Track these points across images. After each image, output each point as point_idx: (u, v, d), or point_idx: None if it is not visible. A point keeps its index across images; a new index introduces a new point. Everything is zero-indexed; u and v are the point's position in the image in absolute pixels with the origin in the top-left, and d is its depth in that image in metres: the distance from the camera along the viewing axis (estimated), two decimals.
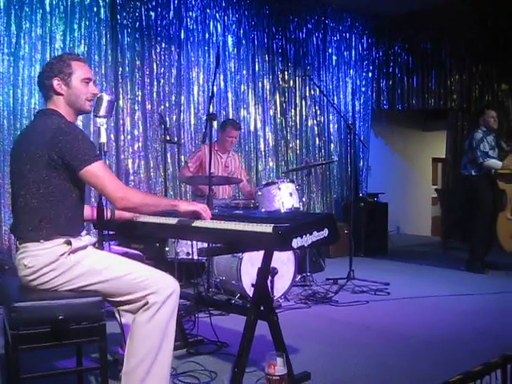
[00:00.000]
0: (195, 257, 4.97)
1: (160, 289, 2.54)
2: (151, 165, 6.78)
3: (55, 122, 2.57)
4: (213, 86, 4.74)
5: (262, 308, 2.93)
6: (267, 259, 2.93)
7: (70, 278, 2.53)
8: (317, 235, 2.58)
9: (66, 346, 2.45)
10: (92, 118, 5.97)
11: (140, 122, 6.72)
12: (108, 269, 2.58)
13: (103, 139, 2.77)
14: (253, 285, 2.95)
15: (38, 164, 2.51)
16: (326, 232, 2.62)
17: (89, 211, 2.96)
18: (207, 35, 7.39)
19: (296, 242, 2.48)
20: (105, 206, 2.78)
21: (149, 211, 2.81)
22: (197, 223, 2.78)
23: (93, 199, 5.94)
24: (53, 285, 2.52)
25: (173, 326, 2.59)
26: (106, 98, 2.79)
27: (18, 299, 2.40)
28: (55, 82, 2.65)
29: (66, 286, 2.53)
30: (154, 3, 6.84)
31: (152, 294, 2.52)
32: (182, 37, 7.13)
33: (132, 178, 6.61)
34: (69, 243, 2.54)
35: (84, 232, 2.70)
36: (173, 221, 2.90)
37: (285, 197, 5.30)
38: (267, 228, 2.48)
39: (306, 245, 2.53)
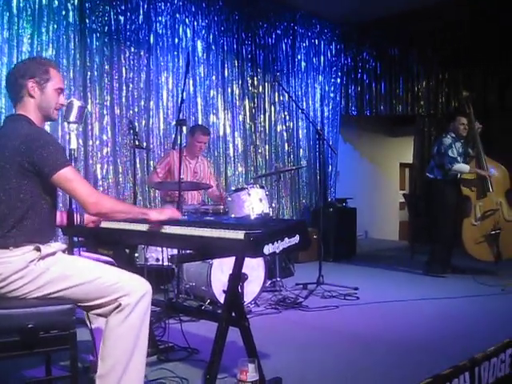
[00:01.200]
0: (165, 263, 4.95)
1: (132, 291, 2.53)
2: (120, 170, 6.71)
3: (25, 128, 2.54)
4: (182, 91, 4.75)
5: (233, 314, 2.93)
6: (238, 265, 2.92)
7: (39, 285, 2.50)
8: (288, 241, 2.59)
9: (36, 355, 2.42)
10: (60, 123, 5.92)
11: (109, 127, 6.65)
12: (78, 274, 2.55)
13: (73, 145, 2.75)
14: (224, 291, 2.93)
15: (8, 171, 2.48)
16: (297, 238, 2.63)
17: (58, 217, 2.93)
18: (176, 40, 7.36)
19: (268, 249, 2.48)
20: (74, 210, 2.74)
21: (120, 218, 2.80)
22: (167, 229, 2.77)
23: (61, 204, 5.86)
24: (22, 292, 2.48)
25: (146, 327, 2.58)
26: (76, 103, 2.76)
27: None
28: (30, 84, 2.61)
29: (35, 293, 2.50)
30: (123, 7, 6.78)
31: (124, 296, 2.51)
32: (152, 41, 7.08)
33: (100, 183, 6.54)
34: (38, 249, 2.51)
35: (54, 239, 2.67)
36: (143, 227, 2.88)
37: (255, 202, 5.30)
38: (239, 234, 2.48)
39: (277, 251, 2.54)
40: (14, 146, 2.47)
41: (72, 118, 2.76)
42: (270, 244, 2.49)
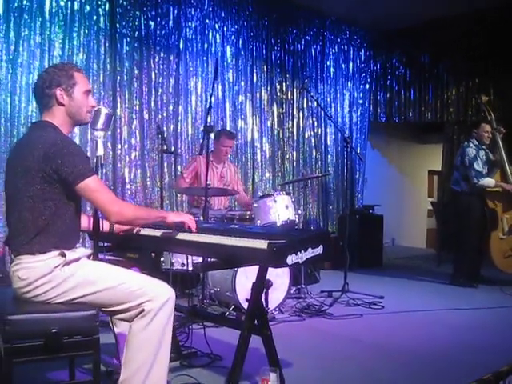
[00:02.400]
0: (190, 268, 4.97)
1: (155, 296, 2.56)
2: (147, 174, 6.77)
3: (50, 135, 2.57)
4: (211, 96, 4.78)
5: (256, 322, 2.93)
6: (262, 274, 2.93)
7: (64, 290, 2.54)
8: (311, 252, 2.59)
9: (61, 360, 2.45)
10: (85, 129, 5.98)
11: (137, 132, 6.71)
12: (102, 279, 2.59)
13: (100, 152, 2.76)
14: (247, 299, 2.94)
15: (33, 178, 2.51)
16: (320, 249, 2.63)
17: (86, 221, 2.96)
18: (206, 45, 7.41)
19: (291, 259, 2.49)
20: (101, 217, 2.77)
21: (140, 224, 2.83)
22: (192, 237, 2.79)
23: (88, 208, 5.93)
24: (47, 297, 2.52)
25: (169, 333, 2.61)
26: (104, 111, 2.79)
27: (12, 312, 2.40)
28: (58, 93, 2.64)
29: (60, 297, 2.54)
30: (153, 13, 6.85)
31: (148, 302, 2.55)
32: (181, 46, 7.14)
33: (128, 186, 6.61)
34: (63, 255, 2.55)
35: (78, 245, 2.71)
36: (169, 234, 2.90)
37: (280, 209, 5.30)
38: (262, 244, 2.49)
39: (300, 261, 2.54)
40: (39, 153, 2.50)
41: (99, 125, 2.78)
42: (294, 254, 2.50)
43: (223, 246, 2.64)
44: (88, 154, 5.47)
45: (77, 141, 5.93)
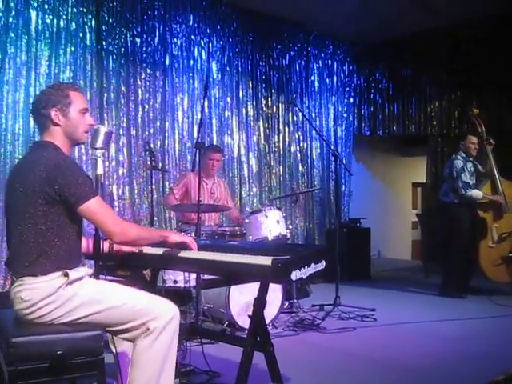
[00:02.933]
0: (182, 285, 4.96)
1: (160, 314, 2.56)
2: (136, 191, 6.76)
3: (52, 156, 2.55)
4: (202, 114, 4.76)
5: (258, 339, 2.93)
6: (263, 291, 2.93)
7: (68, 310, 2.52)
8: (315, 267, 2.60)
9: (64, 381, 2.42)
10: (87, 148, 5.97)
11: (125, 149, 6.69)
12: (106, 298, 2.58)
13: (100, 171, 2.75)
14: (249, 316, 2.93)
15: (35, 199, 2.50)
16: (323, 264, 2.65)
17: (85, 244, 2.94)
18: (192, 61, 7.42)
19: (295, 275, 2.49)
20: (102, 238, 2.76)
21: (143, 244, 2.82)
22: (194, 254, 2.78)
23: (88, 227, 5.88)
24: (51, 318, 2.50)
25: (174, 351, 2.62)
26: (103, 130, 2.78)
27: (16, 334, 2.38)
28: (53, 113, 2.63)
29: (64, 317, 2.52)
30: (139, 29, 6.86)
31: (152, 320, 2.54)
32: (167, 63, 7.14)
33: (116, 203, 6.57)
34: (66, 275, 2.53)
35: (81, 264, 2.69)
36: (171, 252, 2.89)
37: (272, 224, 5.30)
38: (266, 260, 2.49)
39: (304, 277, 2.55)
40: (41, 174, 2.48)
41: (98, 144, 2.76)
42: (298, 270, 2.50)
43: (227, 262, 2.64)
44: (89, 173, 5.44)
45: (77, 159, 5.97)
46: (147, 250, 3.03)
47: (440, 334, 5.06)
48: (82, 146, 5.98)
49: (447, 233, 6.87)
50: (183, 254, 2.82)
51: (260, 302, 2.93)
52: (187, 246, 2.81)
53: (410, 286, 7.62)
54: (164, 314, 2.57)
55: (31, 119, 5.82)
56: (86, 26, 6.41)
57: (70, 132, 2.68)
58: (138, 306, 2.56)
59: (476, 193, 6.57)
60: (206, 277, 4.31)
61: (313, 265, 2.58)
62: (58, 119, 2.65)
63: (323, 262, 2.64)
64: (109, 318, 2.55)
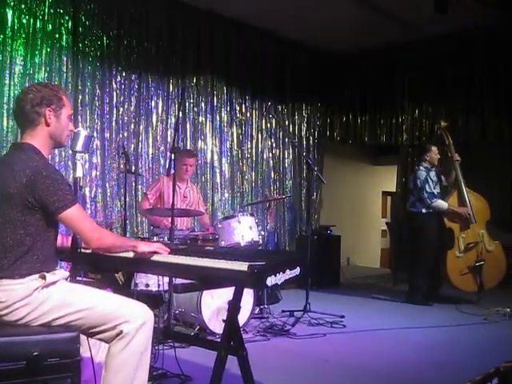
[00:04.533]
0: (154, 288, 4.97)
1: (133, 317, 2.57)
2: (108, 193, 6.74)
3: (33, 161, 2.55)
4: (177, 119, 4.78)
5: (232, 343, 2.96)
6: (238, 295, 2.96)
7: (42, 313, 2.52)
8: (289, 273, 2.64)
9: (41, 382, 2.43)
10: (67, 151, 5.96)
11: (98, 151, 6.67)
12: (79, 300, 2.59)
13: (79, 173, 2.78)
14: (224, 320, 2.96)
15: (15, 205, 2.51)
16: (297, 270, 2.69)
17: (59, 240, 2.93)
18: (167, 66, 7.43)
19: (270, 280, 2.53)
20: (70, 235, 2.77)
21: (116, 252, 2.82)
22: (170, 259, 2.81)
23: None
24: (26, 320, 2.51)
25: (148, 355, 2.62)
26: (83, 133, 2.80)
27: None
28: (47, 112, 2.64)
29: (38, 320, 2.52)
30: (115, 32, 6.85)
31: (125, 323, 2.55)
32: (142, 66, 7.15)
33: (89, 206, 6.54)
34: (43, 277, 2.54)
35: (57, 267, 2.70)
36: (146, 256, 2.90)
37: (244, 230, 5.35)
38: (242, 266, 2.52)
39: (279, 283, 2.59)
40: (21, 180, 2.49)
41: (78, 147, 2.79)
42: (273, 276, 2.54)
43: (203, 267, 2.66)
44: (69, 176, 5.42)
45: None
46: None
47: (408, 340, 5.17)
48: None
49: (414, 242, 7.02)
50: (158, 257, 2.83)
51: (234, 307, 2.97)
52: (157, 253, 2.84)
53: (378, 294, 7.72)
54: (137, 318, 2.58)
55: (4, 119, 5.82)
56: (63, 28, 6.37)
57: (56, 134, 2.70)
58: (111, 308, 2.58)
59: (441, 204, 6.73)
60: (179, 281, 4.35)
61: (288, 271, 2.63)
62: (50, 119, 2.66)
63: (298, 269, 2.69)
64: (82, 320, 2.55)
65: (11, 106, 5.66)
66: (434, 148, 7.01)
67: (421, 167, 6.96)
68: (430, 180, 6.82)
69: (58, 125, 2.69)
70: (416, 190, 6.89)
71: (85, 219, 2.61)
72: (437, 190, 6.86)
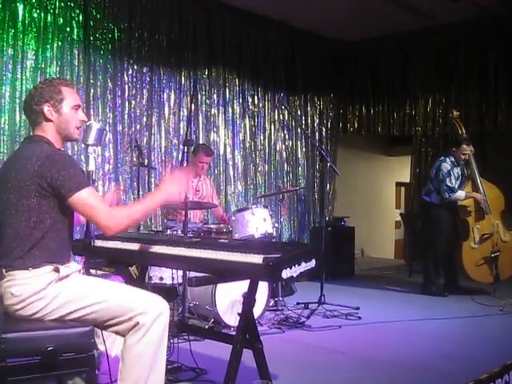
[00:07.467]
0: (168, 281, 4.97)
1: (148, 309, 2.55)
2: (121, 187, 6.73)
3: (44, 149, 2.56)
4: (190, 112, 4.76)
5: (247, 336, 2.94)
6: (253, 288, 2.94)
7: (57, 306, 2.52)
8: (305, 266, 2.62)
9: (55, 377, 2.43)
10: (81, 145, 5.95)
11: (111, 145, 6.67)
12: (94, 293, 2.58)
13: (92, 167, 2.76)
14: (239, 313, 2.95)
15: (28, 192, 2.50)
16: (313, 262, 2.66)
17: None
18: (179, 58, 7.40)
19: (286, 273, 2.51)
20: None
21: (140, 222, 2.77)
22: (185, 252, 2.79)
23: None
24: (41, 314, 2.50)
25: (164, 347, 2.60)
26: (95, 126, 2.78)
27: (7, 329, 2.37)
28: (46, 109, 2.64)
29: (53, 314, 2.52)
30: (126, 25, 6.83)
31: (140, 315, 2.53)
32: (154, 59, 7.12)
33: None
34: (57, 270, 2.53)
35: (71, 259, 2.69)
36: (162, 249, 2.89)
37: (258, 222, 5.33)
38: (257, 259, 2.51)
39: (294, 275, 2.57)
40: (33, 167, 2.49)
41: (90, 140, 2.77)
42: (288, 268, 2.52)
43: (218, 260, 2.65)
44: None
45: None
46: (134, 246, 3.02)
47: (424, 332, 5.11)
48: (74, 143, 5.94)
49: (426, 231, 6.95)
50: (173, 251, 2.82)
51: (250, 300, 2.95)
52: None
53: (393, 285, 7.67)
54: (153, 309, 2.56)
55: (17, 114, 5.83)
56: (74, 21, 6.36)
57: (62, 128, 2.68)
58: (126, 300, 2.56)
59: (459, 194, 6.62)
60: (194, 274, 4.33)
61: (303, 263, 2.60)
62: (50, 115, 2.65)
63: (313, 261, 2.66)
64: (97, 312, 2.54)
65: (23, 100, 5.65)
66: (463, 146, 6.69)
67: (447, 159, 6.74)
68: (452, 174, 6.66)
69: (62, 118, 2.67)
70: (436, 181, 6.73)
71: (98, 204, 2.54)
72: (456, 186, 6.70)
